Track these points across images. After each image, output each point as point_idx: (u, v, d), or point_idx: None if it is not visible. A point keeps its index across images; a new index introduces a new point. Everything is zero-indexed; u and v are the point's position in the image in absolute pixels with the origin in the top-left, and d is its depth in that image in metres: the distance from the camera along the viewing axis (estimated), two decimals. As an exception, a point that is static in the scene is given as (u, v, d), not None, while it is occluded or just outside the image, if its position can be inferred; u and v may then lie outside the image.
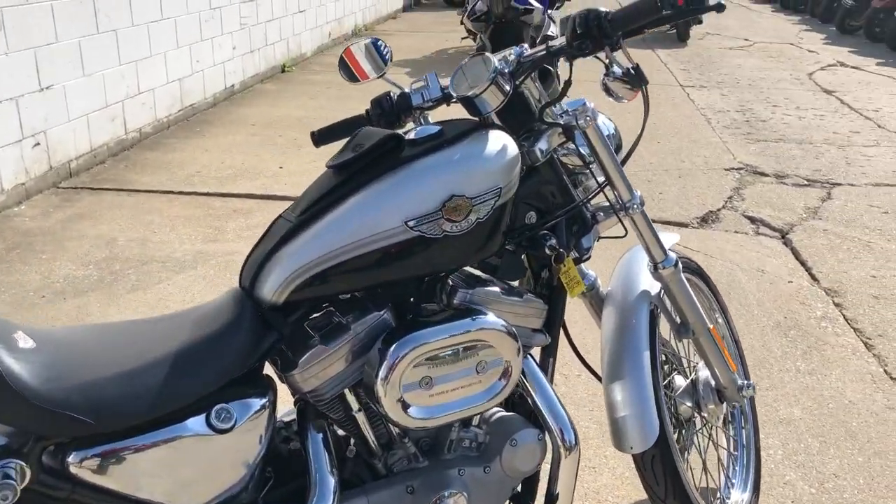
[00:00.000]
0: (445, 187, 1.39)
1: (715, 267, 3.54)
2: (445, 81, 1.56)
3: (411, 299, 1.49)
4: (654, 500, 1.76)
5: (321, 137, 1.71)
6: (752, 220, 4.18)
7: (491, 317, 1.44)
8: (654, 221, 1.74)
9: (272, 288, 1.38)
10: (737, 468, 2.04)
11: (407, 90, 1.65)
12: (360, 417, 1.46)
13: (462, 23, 5.58)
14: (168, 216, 4.07)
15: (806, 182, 4.81)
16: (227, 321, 1.36)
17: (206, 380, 1.31)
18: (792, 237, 3.94)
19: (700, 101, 6.91)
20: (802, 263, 3.65)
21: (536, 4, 4.32)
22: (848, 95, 7.22)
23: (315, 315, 1.44)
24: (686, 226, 4.08)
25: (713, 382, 1.88)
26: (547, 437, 1.57)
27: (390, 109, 1.64)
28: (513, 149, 1.46)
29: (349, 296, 1.45)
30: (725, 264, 3.60)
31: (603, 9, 1.41)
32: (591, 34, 1.40)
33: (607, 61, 1.49)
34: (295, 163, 4.96)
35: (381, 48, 1.70)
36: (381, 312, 1.43)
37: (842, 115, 6.50)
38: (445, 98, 1.62)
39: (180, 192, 4.41)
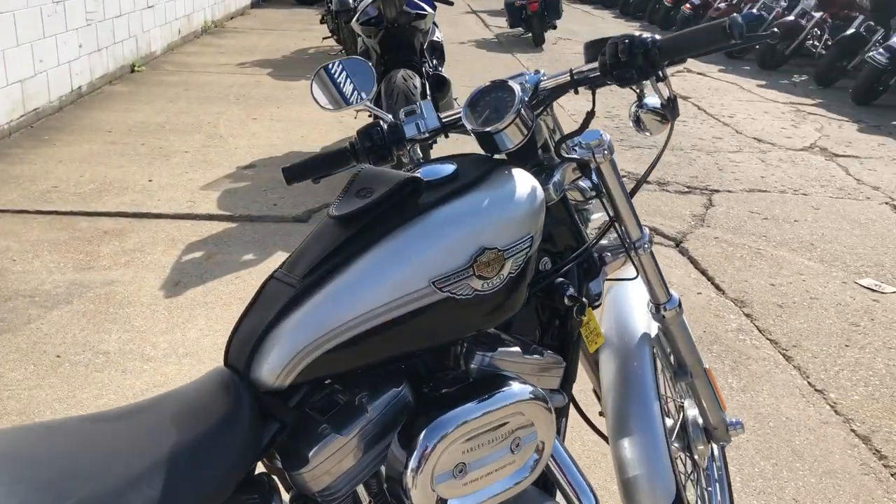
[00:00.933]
0: (475, 239, 1.20)
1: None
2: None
3: (424, 368, 1.29)
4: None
5: (295, 174, 1.46)
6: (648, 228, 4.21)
7: (519, 384, 1.26)
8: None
9: (274, 370, 1.13)
10: (715, 505, 1.97)
11: (397, 119, 1.44)
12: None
13: (329, 24, 5.36)
14: (27, 241, 3.58)
15: (687, 189, 4.94)
16: (220, 413, 1.11)
17: (204, 492, 1.05)
18: (687, 246, 4.00)
19: (569, 106, 6.99)
20: (703, 273, 3.70)
21: (428, 9, 4.16)
22: (703, 101, 7.55)
23: (317, 396, 1.20)
24: (586, 237, 4.05)
25: (701, 421, 1.79)
26: (566, 508, 1.41)
27: (381, 142, 1.42)
28: (539, 191, 1.28)
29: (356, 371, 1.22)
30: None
31: (648, 35, 1.27)
32: (636, 63, 1.25)
33: (639, 91, 1.35)
34: (165, 175, 4.54)
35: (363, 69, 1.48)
36: (400, 388, 1.22)
37: (702, 121, 6.77)
38: (443, 129, 1.43)
39: (38, 212, 3.90)
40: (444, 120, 1.42)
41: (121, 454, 1.04)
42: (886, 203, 4.77)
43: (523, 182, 1.27)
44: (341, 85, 1.53)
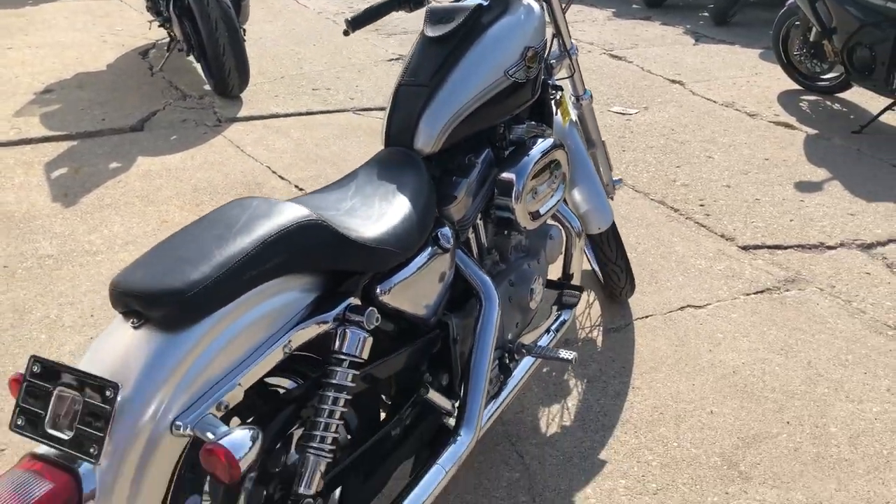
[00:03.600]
0: (522, 41, 1.89)
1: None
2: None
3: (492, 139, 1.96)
4: (607, 263, 2.49)
5: (355, 24, 1.99)
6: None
7: (546, 140, 1.98)
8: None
9: (428, 142, 1.76)
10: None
11: None
12: (480, 236, 1.92)
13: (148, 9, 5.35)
14: None
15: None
16: (412, 172, 1.71)
17: (429, 219, 1.66)
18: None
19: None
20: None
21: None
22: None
23: (446, 158, 1.83)
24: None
25: None
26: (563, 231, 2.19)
27: None
28: (540, 9, 1.99)
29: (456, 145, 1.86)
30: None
31: None
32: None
33: None
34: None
35: None
36: (487, 151, 1.89)
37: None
38: None
39: None
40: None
41: (386, 198, 1.60)
42: (602, 53, 5.96)
43: (534, 4, 1.96)
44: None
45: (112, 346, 1.24)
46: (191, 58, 4.99)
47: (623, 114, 4.66)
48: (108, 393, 1.13)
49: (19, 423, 1.20)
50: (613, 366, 2.47)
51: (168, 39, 5.21)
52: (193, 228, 1.36)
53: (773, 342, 2.60)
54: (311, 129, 4.33)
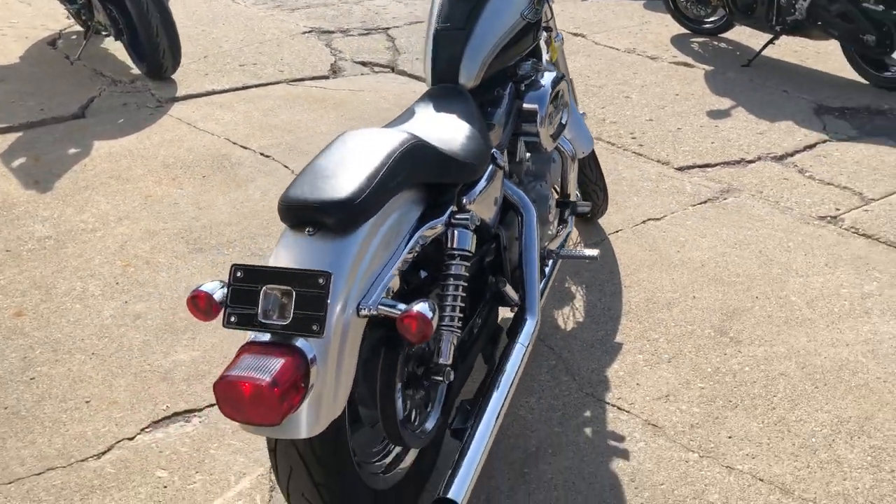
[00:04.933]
0: None
1: (387, 95, 4.53)
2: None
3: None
4: (588, 184, 2.87)
5: None
6: (365, 63, 5.22)
7: (551, 72, 2.31)
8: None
9: (471, 76, 2.07)
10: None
11: None
12: (517, 153, 2.24)
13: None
14: None
15: (365, 31, 5.98)
16: (463, 104, 2.00)
17: (489, 140, 1.96)
18: (398, 67, 5.12)
19: None
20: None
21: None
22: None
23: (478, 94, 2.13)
24: (326, 77, 4.93)
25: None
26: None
27: None
28: None
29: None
30: (379, 96, 4.62)
31: None
32: None
33: None
34: None
35: None
36: (510, 85, 2.21)
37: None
38: None
39: None
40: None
41: (437, 134, 1.87)
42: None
43: None
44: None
45: (293, 253, 1.48)
46: (106, 44, 4.99)
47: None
48: (321, 281, 1.38)
49: (232, 320, 1.43)
50: (603, 272, 2.85)
51: (80, 28, 5.17)
52: (328, 155, 1.61)
53: (726, 239, 3.05)
54: (253, 102, 4.48)
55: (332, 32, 5.89)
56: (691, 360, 2.41)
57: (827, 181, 3.51)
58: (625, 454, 2.06)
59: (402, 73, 5.02)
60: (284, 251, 1.50)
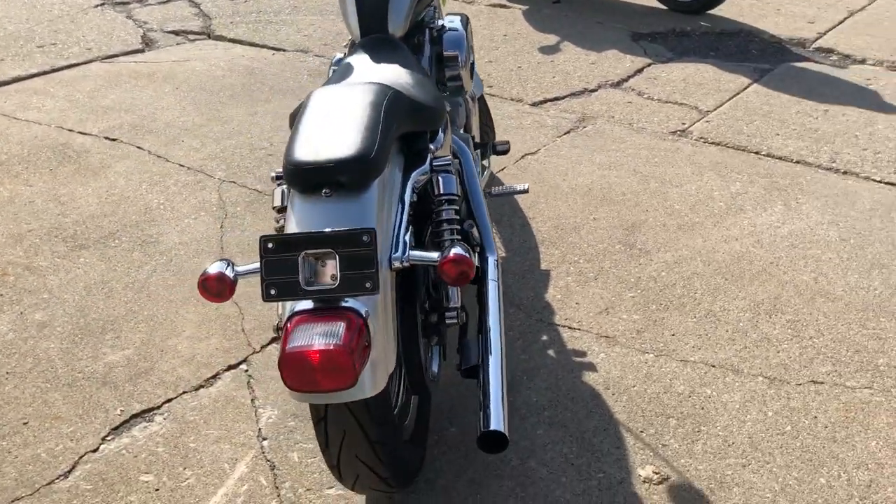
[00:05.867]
0: None
1: (218, 63, 4.33)
2: None
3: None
4: (481, 126, 2.95)
5: None
6: (177, 32, 4.92)
7: (454, 18, 2.35)
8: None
9: (398, 24, 2.09)
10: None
11: None
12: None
13: None
14: None
15: None
16: (402, 50, 2.01)
17: (438, 95, 1.99)
18: (214, 33, 4.88)
19: None
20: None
21: None
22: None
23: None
24: (141, 51, 4.61)
25: None
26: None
27: None
28: None
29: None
30: (209, 64, 4.41)
31: None
32: None
33: None
34: None
35: None
36: (427, 31, 2.23)
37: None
38: None
39: None
40: None
41: (396, 84, 1.87)
42: None
43: None
44: None
45: (314, 216, 1.45)
46: None
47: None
48: (365, 238, 1.36)
49: (272, 293, 1.37)
50: (506, 208, 2.97)
51: None
52: (312, 116, 1.57)
53: (601, 163, 3.27)
54: (71, 85, 4.10)
55: (128, 3, 5.46)
56: (614, 274, 2.60)
57: (665, 100, 3.84)
58: (592, 367, 2.20)
59: (221, 38, 4.79)
60: (303, 216, 1.45)
